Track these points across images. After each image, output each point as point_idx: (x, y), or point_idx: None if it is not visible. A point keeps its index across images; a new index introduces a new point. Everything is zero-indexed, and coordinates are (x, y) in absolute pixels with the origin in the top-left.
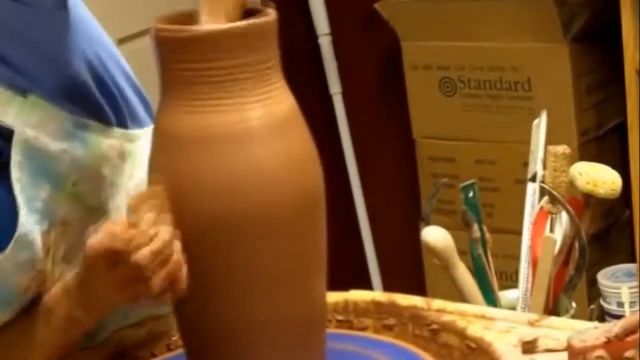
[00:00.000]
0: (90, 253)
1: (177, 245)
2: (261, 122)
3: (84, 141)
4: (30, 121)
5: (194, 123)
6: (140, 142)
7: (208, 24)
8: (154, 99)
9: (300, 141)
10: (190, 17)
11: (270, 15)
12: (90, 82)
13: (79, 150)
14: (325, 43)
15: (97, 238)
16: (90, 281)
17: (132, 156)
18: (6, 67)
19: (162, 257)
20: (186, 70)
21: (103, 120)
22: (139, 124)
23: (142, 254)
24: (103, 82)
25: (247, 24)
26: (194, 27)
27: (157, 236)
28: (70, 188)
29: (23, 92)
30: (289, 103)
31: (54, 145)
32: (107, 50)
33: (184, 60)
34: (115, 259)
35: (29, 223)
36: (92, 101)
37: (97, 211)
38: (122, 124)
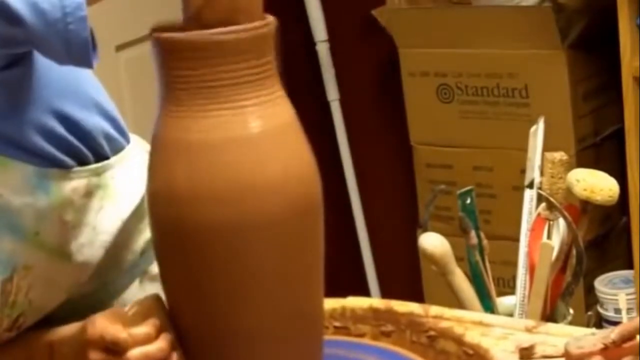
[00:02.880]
0: (90, 334)
1: (175, 357)
2: (261, 129)
3: (47, 191)
4: None
5: (193, 129)
6: (111, 171)
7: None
8: (151, 105)
9: (299, 150)
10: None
11: (270, 22)
12: (59, 131)
13: (42, 201)
14: (322, 50)
15: (103, 323)
16: (75, 354)
17: (101, 188)
18: None
19: None
20: (185, 77)
21: (63, 164)
22: (114, 149)
23: (138, 352)
24: (73, 128)
25: (247, 31)
26: (193, 33)
27: (157, 342)
28: (33, 237)
29: None
30: (288, 111)
31: (17, 199)
32: (80, 90)
33: (182, 67)
34: (112, 348)
35: None
36: (57, 151)
37: (59, 253)
38: (85, 162)
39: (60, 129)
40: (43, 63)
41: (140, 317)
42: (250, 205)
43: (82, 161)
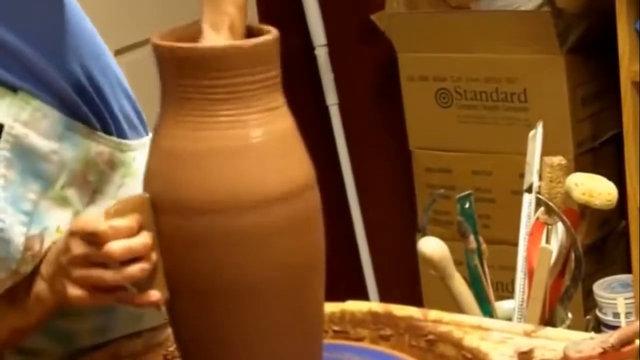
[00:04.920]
0: (72, 227)
1: (154, 256)
2: (261, 140)
3: (74, 144)
4: (20, 118)
5: (193, 138)
6: (133, 153)
7: (210, 36)
8: (152, 109)
9: (299, 162)
10: (191, 31)
11: (272, 33)
12: (86, 87)
13: (69, 152)
14: (321, 54)
15: (85, 217)
16: (60, 258)
17: (123, 166)
18: (0, 57)
19: (135, 255)
20: (187, 86)
21: (89, 121)
22: (134, 135)
23: (119, 245)
24: (98, 91)
25: (251, 44)
26: (196, 45)
27: (139, 236)
28: (59, 191)
29: (13, 89)
30: (288, 123)
31: (44, 144)
32: (105, 62)
33: (185, 75)
34: (91, 240)
35: (8, 221)
36: (83, 106)
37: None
38: (107, 131)
39: (88, 87)
40: (76, 25)
41: (123, 213)
42: (249, 216)
43: (105, 128)
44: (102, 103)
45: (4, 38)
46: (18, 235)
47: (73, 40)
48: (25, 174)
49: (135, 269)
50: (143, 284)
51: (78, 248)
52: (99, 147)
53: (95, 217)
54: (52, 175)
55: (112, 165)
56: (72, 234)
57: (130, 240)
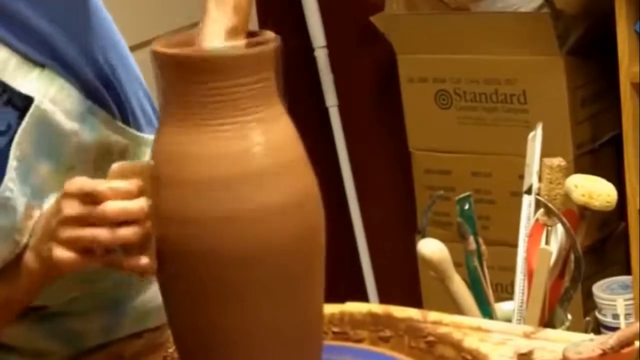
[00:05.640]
0: (68, 187)
1: (149, 224)
2: (261, 146)
3: (93, 128)
4: (48, 94)
5: (192, 142)
6: (146, 147)
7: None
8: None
9: (300, 170)
10: (190, 37)
11: (271, 37)
12: (108, 76)
13: (87, 136)
14: (321, 56)
15: (83, 178)
16: (51, 220)
17: (135, 158)
18: (28, 36)
19: (130, 218)
20: (187, 92)
21: (108, 107)
22: (151, 130)
23: (115, 205)
24: (119, 82)
25: (250, 49)
26: (195, 50)
27: (137, 200)
28: (67, 172)
29: (41, 65)
30: (288, 127)
31: (68, 124)
32: (125, 54)
33: (185, 80)
34: (86, 200)
35: (15, 190)
36: (105, 93)
37: None
38: (131, 126)
39: (110, 76)
40: (99, 15)
41: (125, 175)
42: (244, 230)
43: (124, 119)
44: (122, 93)
45: (30, 20)
46: (22, 205)
47: (96, 29)
48: (41, 149)
49: (128, 231)
50: (134, 250)
51: (71, 208)
52: (116, 136)
53: (92, 179)
54: (65, 156)
55: (125, 157)
56: (67, 195)
57: (127, 202)
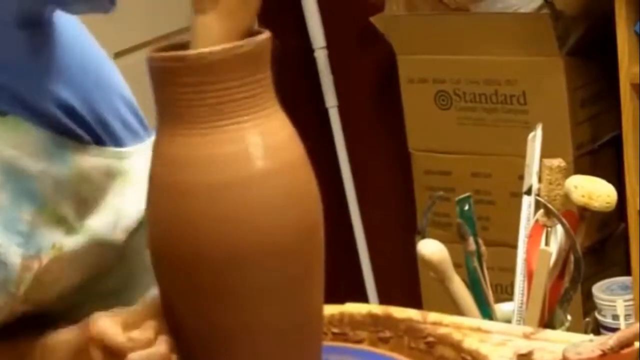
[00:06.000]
0: (93, 329)
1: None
2: (258, 147)
3: (65, 161)
4: (10, 141)
5: (188, 145)
6: (130, 159)
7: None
8: (149, 112)
9: (299, 170)
10: (184, 42)
11: (265, 35)
12: (77, 110)
13: (61, 170)
14: (321, 56)
15: (104, 325)
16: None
17: (122, 174)
18: None
19: None
20: (182, 95)
21: (79, 138)
22: (134, 140)
23: (137, 356)
24: (91, 110)
25: (242, 48)
26: (188, 53)
27: (157, 345)
28: (53, 210)
29: (2, 113)
30: (286, 126)
31: (35, 165)
32: (95, 72)
33: (175, 83)
34: (111, 352)
35: (5, 244)
36: (74, 125)
37: (77, 232)
38: (102, 143)
39: (80, 110)
40: (66, 41)
41: (140, 318)
42: (243, 231)
43: (99, 141)
44: (94, 119)
45: None
46: (15, 256)
47: (62, 60)
48: (18, 196)
49: None
50: None
51: (98, 355)
52: (93, 160)
53: (112, 328)
54: (44, 195)
55: (110, 175)
56: (91, 340)
57: (149, 351)
